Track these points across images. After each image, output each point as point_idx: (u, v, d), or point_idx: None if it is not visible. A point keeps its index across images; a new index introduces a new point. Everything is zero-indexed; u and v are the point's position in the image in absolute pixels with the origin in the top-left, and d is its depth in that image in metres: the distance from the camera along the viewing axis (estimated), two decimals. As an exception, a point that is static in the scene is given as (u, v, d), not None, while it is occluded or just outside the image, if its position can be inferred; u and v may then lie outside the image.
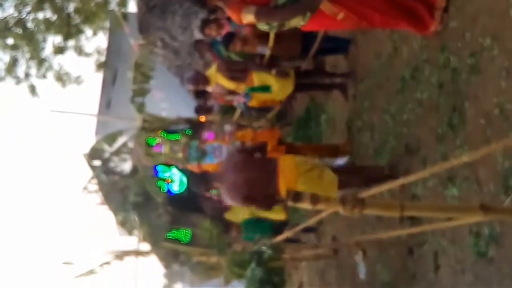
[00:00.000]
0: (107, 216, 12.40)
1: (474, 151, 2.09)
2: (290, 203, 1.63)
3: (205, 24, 6.65)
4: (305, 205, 1.62)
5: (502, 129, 2.86)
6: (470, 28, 3.28)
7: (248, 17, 3.49)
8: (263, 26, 3.65)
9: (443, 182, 3.52)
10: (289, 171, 4.12)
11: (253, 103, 6.58)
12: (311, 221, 4.32)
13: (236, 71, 5.75)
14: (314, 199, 1.60)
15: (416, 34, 3.89)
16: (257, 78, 5.72)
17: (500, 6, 2.94)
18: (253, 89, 6.04)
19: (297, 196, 1.60)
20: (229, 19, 5.93)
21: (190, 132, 6.00)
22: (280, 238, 5.27)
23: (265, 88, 5.82)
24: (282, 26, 3.62)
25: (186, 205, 9.85)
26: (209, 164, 5.38)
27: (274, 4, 3.51)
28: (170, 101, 13.83)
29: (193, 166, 5.53)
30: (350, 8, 3.50)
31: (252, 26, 5.14)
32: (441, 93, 3.63)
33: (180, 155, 5.37)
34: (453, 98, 3.45)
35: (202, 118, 7.77)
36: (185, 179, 9.07)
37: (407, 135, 4.30)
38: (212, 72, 5.89)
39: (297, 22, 3.57)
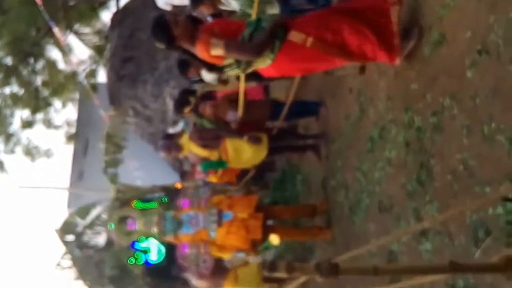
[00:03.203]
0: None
1: (444, 212, 2.15)
2: (266, 274, 1.65)
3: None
4: (281, 274, 1.65)
5: (468, 185, 2.96)
6: (430, 89, 3.44)
7: (217, 50, 3.40)
8: (232, 68, 3.58)
9: (416, 238, 3.57)
10: None
11: (212, 179, 6.67)
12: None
13: (208, 139, 5.82)
14: (290, 267, 1.62)
15: (387, 64, 3.79)
16: (230, 145, 5.79)
17: (458, 67, 3.11)
18: (209, 165, 6.09)
19: (272, 265, 1.63)
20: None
21: (166, 199, 5.96)
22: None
23: (220, 163, 5.86)
24: (250, 65, 3.54)
25: (165, 273, 9.64)
26: (186, 234, 5.33)
27: (241, 38, 3.48)
28: (145, 169, 13.77)
29: (169, 238, 5.46)
30: (318, 29, 3.41)
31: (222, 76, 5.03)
32: (408, 152, 3.75)
33: (155, 229, 5.29)
34: (419, 156, 3.57)
35: (178, 185, 7.77)
36: (163, 249, 8.91)
37: (379, 193, 4.39)
38: (185, 140, 5.96)
39: (266, 57, 3.49)
